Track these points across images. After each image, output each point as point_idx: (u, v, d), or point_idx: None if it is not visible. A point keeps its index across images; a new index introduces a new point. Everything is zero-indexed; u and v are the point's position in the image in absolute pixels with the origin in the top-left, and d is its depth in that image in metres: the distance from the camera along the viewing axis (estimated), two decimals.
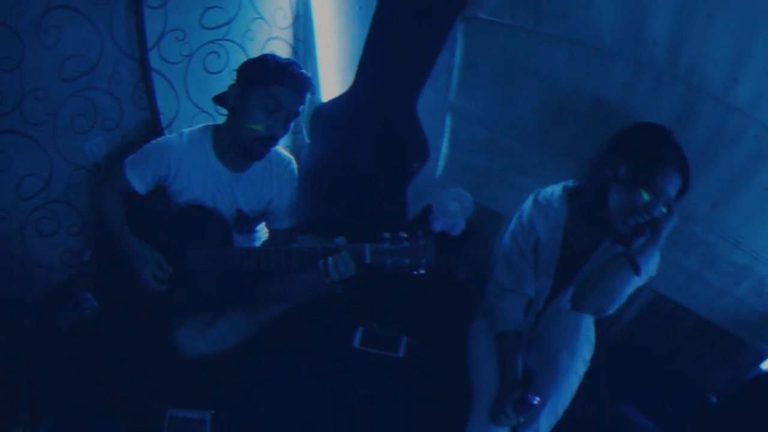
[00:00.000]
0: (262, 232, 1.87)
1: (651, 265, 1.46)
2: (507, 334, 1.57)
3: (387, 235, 1.29)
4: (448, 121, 1.72)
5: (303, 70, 1.58)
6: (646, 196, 1.36)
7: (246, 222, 1.73)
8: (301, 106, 1.59)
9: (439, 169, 1.79)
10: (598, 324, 1.77)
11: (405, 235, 1.28)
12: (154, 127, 1.95)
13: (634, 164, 1.38)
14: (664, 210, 1.40)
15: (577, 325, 1.49)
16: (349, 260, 1.32)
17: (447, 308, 1.82)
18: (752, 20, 1.40)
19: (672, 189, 1.37)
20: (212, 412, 1.55)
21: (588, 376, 1.58)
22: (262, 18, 2.16)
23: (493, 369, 1.54)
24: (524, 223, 1.60)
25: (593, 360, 1.66)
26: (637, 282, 1.43)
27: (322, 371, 1.65)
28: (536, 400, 1.40)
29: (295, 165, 1.74)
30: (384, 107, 1.78)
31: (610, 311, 1.47)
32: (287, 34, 2.26)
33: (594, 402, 1.54)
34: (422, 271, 1.29)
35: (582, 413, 1.53)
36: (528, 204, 1.60)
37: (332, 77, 2.25)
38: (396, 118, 1.75)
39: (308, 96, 1.61)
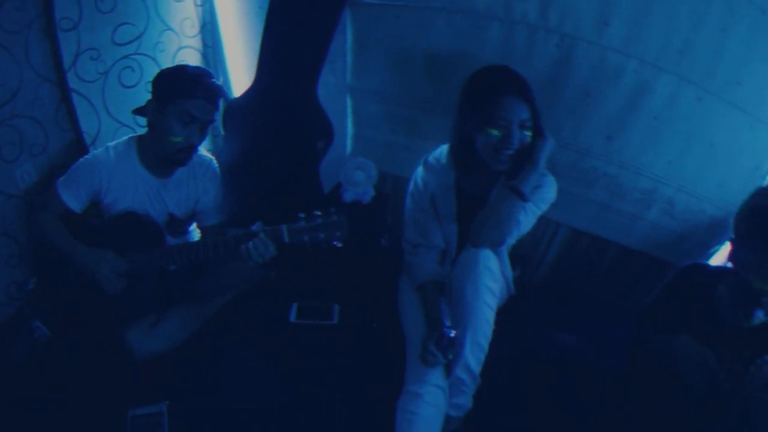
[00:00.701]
0: (195, 233, 1.94)
1: (545, 192, 1.61)
2: (425, 285, 1.69)
3: (302, 214, 1.42)
4: (349, 101, 1.83)
5: (214, 80, 1.66)
6: (495, 132, 1.50)
7: (178, 224, 1.81)
8: (216, 113, 1.67)
9: (348, 147, 1.90)
10: (525, 269, 1.91)
11: (319, 213, 1.41)
12: (79, 147, 2.00)
13: (475, 108, 1.52)
14: (528, 134, 1.53)
15: (475, 259, 1.53)
16: (268, 242, 1.45)
17: (374, 273, 1.93)
18: None
19: (518, 115, 1.50)
20: (167, 402, 1.60)
21: (523, 318, 1.71)
22: (170, 29, 2.23)
23: (419, 318, 1.63)
24: (418, 183, 1.73)
25: (527, 302, 1.82)
26: (532, 209, 1.57)
27: (266, 349, 1.73)
28: (452, 333, 1.49)
29: (216, 164, 1.82)
30: (286, 95, 1.87)
31: (509, 239, 1.57)
32: (196, 42, 2.33)
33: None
34: (338, 244, 1.41)
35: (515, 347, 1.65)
36: (419, 167, 1.73)
37: (242, 75, 2.33)
38: (298, 103, 1.85)
39: (221, 102, 1.70)
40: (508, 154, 1.53)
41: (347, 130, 1.87)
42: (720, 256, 2.00)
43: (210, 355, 1.73)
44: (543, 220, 1.91)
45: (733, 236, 1.32)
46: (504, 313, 1.77)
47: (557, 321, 1.92)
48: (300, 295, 1.85)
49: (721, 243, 1.98)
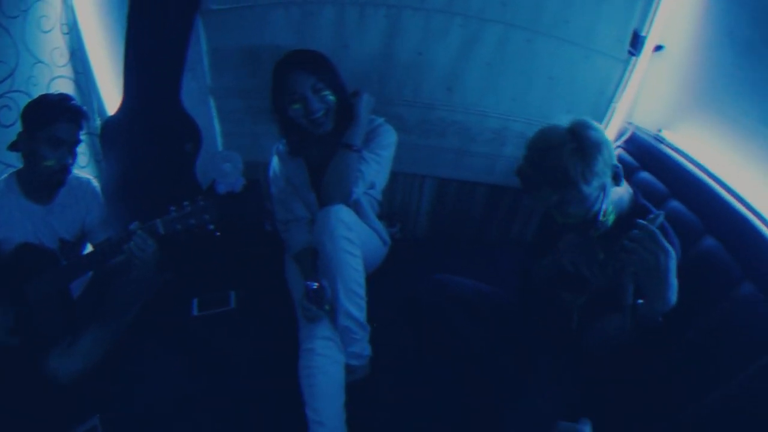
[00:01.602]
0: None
1: (382, 139, 1.81)
2: (299, 253, 1.84)
3: (173, 207, 1.56)
4: (212, 102, 1.95)
5: (73, 102, 1.75)
6: (296, 106, 1.69)
7: (70, 247, 1.88)
8: (81, 133, 1.77)
9: (219, 145, 2.02)
10: (404, 224, 2.10)
11: (187, 203, 1.56)
12: None
13: (274, 92, 1.73)
14: (327, 93, 1.71)
15: (327, 214, 1.65)
16: (146, 237, 1.58)
17: (263, 256, 2.05)
18: None
19: (305, 85, 1.68)
20: (99, 415, 1.66)
21: (411, 265, 1.85)
22: (41, 62, 2.25)
23: (300, 283, 1.74)
24: (275, 168, 1.92)
25: (414, 252, 1.98)
26: (371, 157, 1.77)
27: (177, 346, 1.81)
28: (314, 285, 1.62)
29: (95, 183, 1.92)
30: (152, 105, 1.96)
31: (355, 189, 1.74)
32: (68, 71, 2.36)
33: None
34: (211, 226, 1.54)
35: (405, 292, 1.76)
36: (273, 155, 1.91)
37: (114, 95, 2.40)
38: (164, 111, 1.95)
39: (84, 123, 1.79)
40: (319, 118, 1.71)
41: (215, 128, 1.98)
42: None
43: (129, 363, 1.80)
44: (408, 175, 2.13)
45: None
46: (391, 263, 1.96)
47: (443, 263, 2.01)
48: (200, 291, 1.95)
49: None
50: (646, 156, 1.91)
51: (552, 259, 1.48)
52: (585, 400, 1.37)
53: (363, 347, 1.70)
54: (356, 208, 1.82)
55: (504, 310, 1.69)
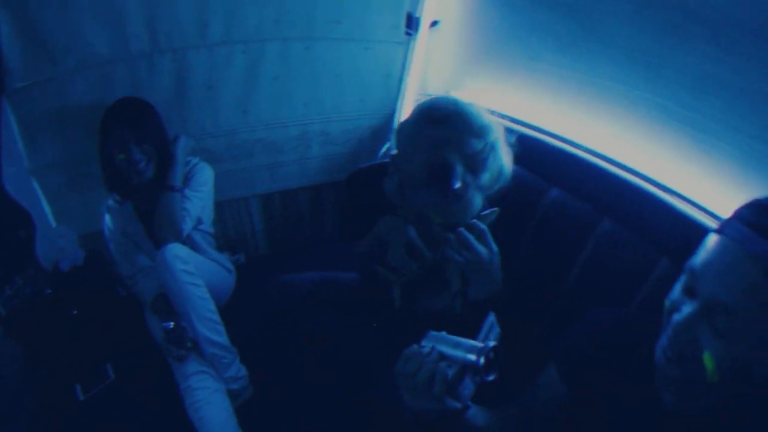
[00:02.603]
0: None
1: (199, 176, 1.92)
2: (153, 302, 1.85)
3: (6, 286, 1.54)
4: (34, 182, 1.97)
5: None
6: (121, 156, 1.78)
7: None
8: None
9: (53, 223, 2.03)
10: (246, 250, 2.26)
11: (18, 277, 1.55)
12: None
13: (102, 142, 1.81)
14: (151, 147, 1.81)
15: (163, 254, 1.73)
16: None
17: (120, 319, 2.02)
18: None
19: (127, 138, 1.77)
20: None
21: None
22: None
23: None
24: (109, 226, 1.95)
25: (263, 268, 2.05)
26: (193, 195, 1.88)
27: None
28: (170, 325, 1.71)
29: None
30: None
31: (185, 227, 1.84)
32: None
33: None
34: (49, 291, 1.58)
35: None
36: (104, 214, 1.96)
37: None
38: None
39: None
40: (141, 167, 1.80)
41: (44, 208, 2.00)
42: None
43: None
44: (232, 201, 2.28)
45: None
46: (246, 287, 2.07)
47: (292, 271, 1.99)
48: (78, 374, 1.88)
49: (385, 142, 2.39)
50: None
51: (369, 241, 1.49)
52: None
53: (236, 369, 1.77)
54: (191, 244, 1.92)
55: (352, 291, 1.75)
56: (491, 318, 0.99)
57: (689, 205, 1.36)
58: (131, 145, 1.77)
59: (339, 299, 1.68)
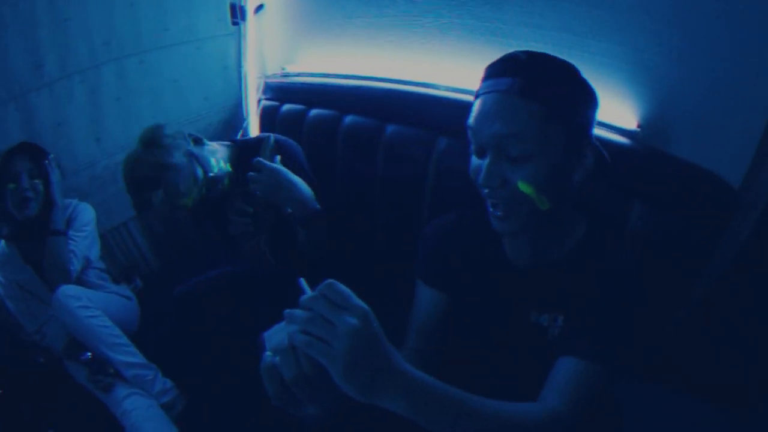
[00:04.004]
0: None
1: (82, 216, 1.94)
2: (65, 348, 1.81)
3: None
4: None
5: None
6: (11, 185, 1.79)
7: None
8: None
9: None
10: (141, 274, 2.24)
11: None
12: None
13: None
14: (38, 181, 1.82)
15: (57, 297, 1.74)
16: None
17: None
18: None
19: (20, 166, 1.79)
20: None
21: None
22: None
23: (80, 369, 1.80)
24: (1, 280, 1.91)
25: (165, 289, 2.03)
26: (77, 236, 1.88)
27: None
28: (88, 355, 1.74)
29: None
30: None
31: (73, 269, 1.85)
32: None
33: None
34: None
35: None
36: None
37: None
38: None
39: None
40: (27, 198, 1.81)
41: None
42: None
43: None
44: (112, 230, 2.29)
45: None
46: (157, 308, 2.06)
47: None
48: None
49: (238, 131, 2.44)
50: (281, 92, 2.18)
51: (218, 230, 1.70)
52: None
53: (162, 382, 1.78)
54: (85, 283, 1.93)
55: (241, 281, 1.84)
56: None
57: None
58: (23, 174, 1.79)
59: (236, 291, 1.78)
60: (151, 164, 1.49)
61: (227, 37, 2.32)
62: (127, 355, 1.76)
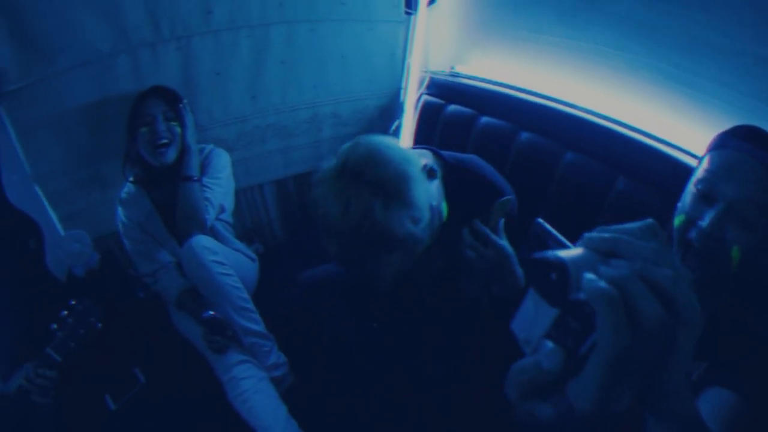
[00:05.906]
0: None
1: (215, 162, 1.88)
2: (179, 298, 1.81)
3: (54, 325, 1.40)
4: (38, 189, 1.89)
5: None
6: (144, 129, 1.74)
7: None
8: None
9: (61, 230, 1.95)
10: (264, 240, 2.18)
11: (65, 312, 1.42)
12: None
13: (129, 121, 1.77)
14: (176, 125, 1.77)
15: (190, 246, 1.67)
16: (45, 370, 1.37)
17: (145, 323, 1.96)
18: None
19: (157, 108, 1.75)
20: None
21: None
22: None
23: (194, 325, 1.75)
24: (123, 220, 1.86)
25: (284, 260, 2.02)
26: (212, 182, 1.83)
27: None
28: (209, 313, 1.67)
29: None
30: None
31: (208, 218, 1.78)
32: None
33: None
34: (99, 325, 1.45)
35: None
36: (118, 208, 1.87)
37: None
38: None
39: None
40: (163, 146, 1.75)
41: (50, 214, 1.91)
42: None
43: None
44: (247, 190, 2.24)
45: None
46: (268, 276, 2.01)
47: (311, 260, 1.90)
48: (105, 383, 1.80)
49: (394, 120, 2.39)
50: (447, 92, 2.12)
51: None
52: None
53: (276, 356, 1.72)
54: (214, 234, 1.85)
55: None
56: None
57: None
58: (159, 116, 1.74)
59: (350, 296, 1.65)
60: (389, 234, 1.13)
61: (398, 25, 2.25)
62: (251, 322, 1.70)
